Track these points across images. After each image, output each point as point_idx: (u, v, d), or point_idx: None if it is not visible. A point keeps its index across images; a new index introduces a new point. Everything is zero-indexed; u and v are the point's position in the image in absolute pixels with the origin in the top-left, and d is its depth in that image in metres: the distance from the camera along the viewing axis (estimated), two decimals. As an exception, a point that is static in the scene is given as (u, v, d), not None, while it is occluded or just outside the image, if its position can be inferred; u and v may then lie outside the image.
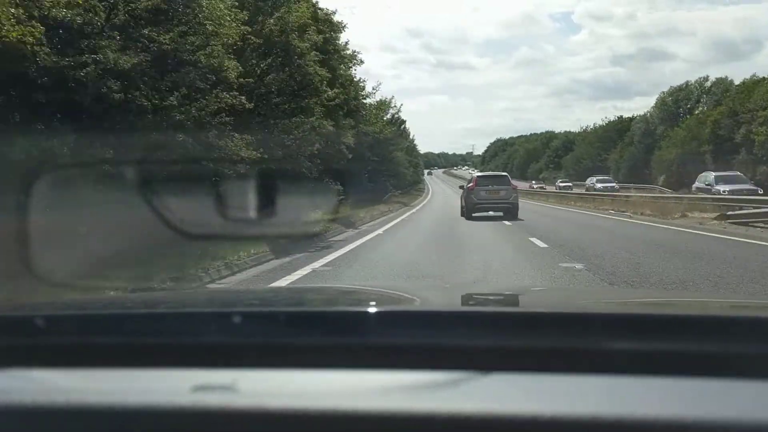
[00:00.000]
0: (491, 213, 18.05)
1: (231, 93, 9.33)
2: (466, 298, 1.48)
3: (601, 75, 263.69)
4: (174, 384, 0.85)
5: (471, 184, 19.32)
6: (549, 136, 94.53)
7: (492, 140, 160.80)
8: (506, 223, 15.77)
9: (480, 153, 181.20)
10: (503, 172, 24.61)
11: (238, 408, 0.79)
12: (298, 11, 13.31)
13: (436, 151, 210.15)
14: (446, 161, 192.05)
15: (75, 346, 0.97)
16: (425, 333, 0.93)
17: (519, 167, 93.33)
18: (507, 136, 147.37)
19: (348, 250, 9.96)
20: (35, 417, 0.82)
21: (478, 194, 18.41)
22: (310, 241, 10.64)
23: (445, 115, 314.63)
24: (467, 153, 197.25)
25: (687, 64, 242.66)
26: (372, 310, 1.04)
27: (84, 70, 7.03)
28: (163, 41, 8.17)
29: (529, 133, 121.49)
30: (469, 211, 18.43)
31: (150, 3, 8.10)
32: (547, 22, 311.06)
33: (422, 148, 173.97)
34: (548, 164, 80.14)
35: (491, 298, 1.53)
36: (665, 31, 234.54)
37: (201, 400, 0.80)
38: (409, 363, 0.86)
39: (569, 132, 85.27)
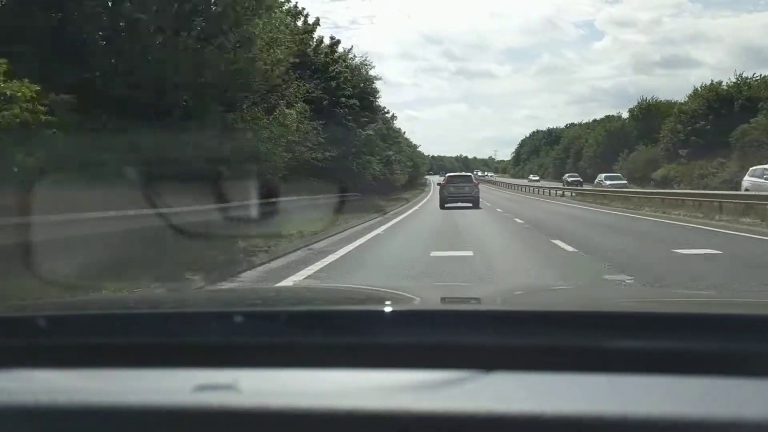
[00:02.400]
0: (459, 204, 24.28)
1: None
2: (469, 297, 1.57)
3: (623, 83, 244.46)
4: (176, 384, 0.86)
5: (444, 182, 26.93)
6: (651, 105, 52.72)
7: (517, 144, 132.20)
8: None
9: (502, 158, 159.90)
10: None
11: (240, 407, 0.80)
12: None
13: (452, 154, 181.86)
14: (465, 165, 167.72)
15: (77, 346, 0.98)
16: (427, 332, 0.93)
17: (596, 163, 54.56)
18: (547, 127, 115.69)
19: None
20: (37, 417, 0.83)
21: (448, 189, 25.47)
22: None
23: (464, 124, 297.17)
24: (489, 158, 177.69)
25: (713, 72, 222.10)
26: (374, 309, 1.08)
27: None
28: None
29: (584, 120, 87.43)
30: (442, 202, 25.05)
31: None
32: (569, 28, 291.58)
33: (436, 152, 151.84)
34: (673, 147, 39.72)
35: (494, 296, 1.56)
36: (691, 37, 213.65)
37: (203, 400, 0.81)
38: (412, 362, 0.87)
39: (716, 85, 39.71)
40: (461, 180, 26.58)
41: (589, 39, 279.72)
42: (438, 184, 29.70)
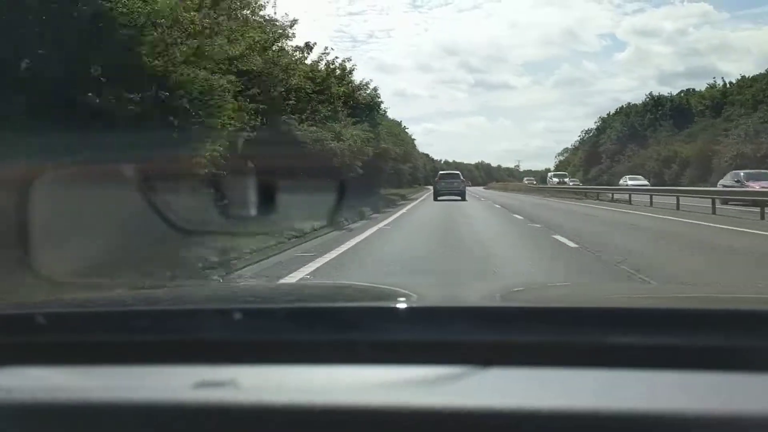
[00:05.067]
0: (449, 197, 30.17)
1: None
2: (466, 294, 1.59)
3: (645, 95, 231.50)
4: (176, 380, 0.87)
5: (437, 179, 34.53)
6: None
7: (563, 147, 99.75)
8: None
9: (529, 168, 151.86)
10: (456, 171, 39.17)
11: (239, 404, 0.81)
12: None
13: (472, 161, 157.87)
14: (488, 175, 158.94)
15: (77, 343, 0.99)
16: (425, 328, 0.94)
17: None
18: (650, 93, 65.05)
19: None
20: (37, 415, 0.84)
21: (440, 185, 32.79)
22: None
23: (483, 136, 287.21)
24: (514, 167, 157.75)
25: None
26: (372, 306, 1.11)
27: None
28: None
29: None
30: (435, 194, 32.13)
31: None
32: (590, 38, 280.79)
33: (452, 159, 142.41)
34: None
35: (491, 293, 1.57)
36: (717, 48, 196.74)
37: (202, 397, 0.82)
38: (409, 358, 0.88)
39: None
40: (451, 177, 34.39)
41: (610, 49, 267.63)
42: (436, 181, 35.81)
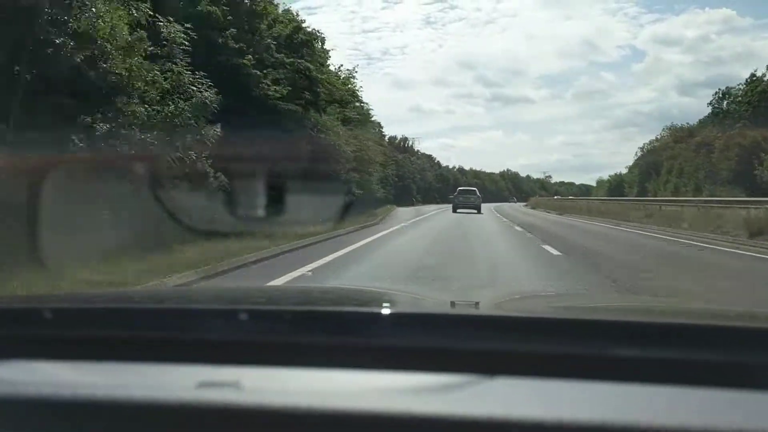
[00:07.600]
0: (466, 210, 34.75)
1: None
2: (473, 302, 1.57)
3: (666, 106, 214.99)
4: (179, 380, 0.88)
5: (455, 194, 38.80)
6: None
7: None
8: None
9: (562, 179, 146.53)
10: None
11: (241, 405, 0.82)
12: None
13: (496, 170, 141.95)
14: (516, 187, 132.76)
15: (81, 339, 1.00)
16: (431, 335, 0.95)
17: None
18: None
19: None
20: (40, 409, 0.85)
21: (458, 199, 37.24)
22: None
23: (501, 151, 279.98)
24: (545, 177, 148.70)
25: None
26: (378, 311, 1.09)
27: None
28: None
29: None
30: (454, 208, 36.22)
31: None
32: (609, 49, 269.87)
33: (471, 166, 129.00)
34: None
35: (498, 302, 1.61)
36: (741, 56, 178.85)
37: (205, 397, 0.83)
38: (415, 365, 0.89)
39: None
40: (468, 193, 38.96)
41: (630, 60, 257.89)
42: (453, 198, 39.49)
